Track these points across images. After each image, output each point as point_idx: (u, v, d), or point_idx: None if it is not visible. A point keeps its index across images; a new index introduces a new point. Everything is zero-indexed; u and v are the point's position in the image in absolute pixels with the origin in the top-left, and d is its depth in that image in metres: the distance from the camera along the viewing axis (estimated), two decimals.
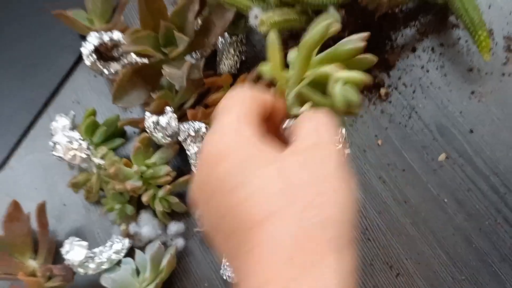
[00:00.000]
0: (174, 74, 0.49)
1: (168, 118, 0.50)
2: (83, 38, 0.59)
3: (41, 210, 0.50)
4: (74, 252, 0.47)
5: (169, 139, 0.51)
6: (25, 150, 0.60)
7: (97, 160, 0.50)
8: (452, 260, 0.46)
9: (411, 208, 0.49)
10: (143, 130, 0.54)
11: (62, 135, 0.50)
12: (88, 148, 0.50)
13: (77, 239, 0.49)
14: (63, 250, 0.48)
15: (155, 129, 0.50)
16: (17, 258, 0.49)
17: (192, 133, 0.49)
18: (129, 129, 0.59)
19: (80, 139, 0.50)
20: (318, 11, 0.49)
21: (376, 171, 0.52)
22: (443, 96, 0.54)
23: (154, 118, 0.50)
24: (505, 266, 0.46)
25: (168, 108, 0.51)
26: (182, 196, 0.53)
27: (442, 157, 0.51)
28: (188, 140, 0.49)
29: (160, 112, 0.51)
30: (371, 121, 0.54)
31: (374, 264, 0.48)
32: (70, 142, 0.49)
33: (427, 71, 0.56)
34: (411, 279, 0.46)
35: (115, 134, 0.56)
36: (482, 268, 0.46)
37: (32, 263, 0.49)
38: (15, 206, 0.48)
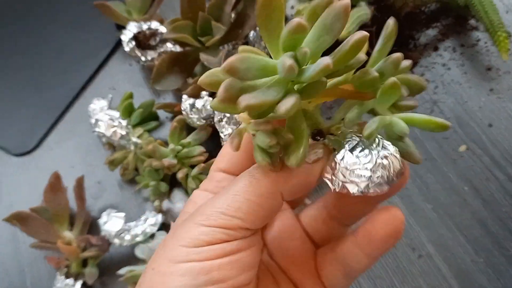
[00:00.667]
0: (211, 60, 0.53)
1: (204, 101, 0.53)
2: (120, 29, 0.63)
3: (79, 183, 0.53)
4: (111, 222, 0.50)
5: (203, 121, 0.54)
6: (63, 131, 0.63)
7: (135, 139, 0.53)
8: (469, 243, 0.49)
9: (431, 195, 0.52)
10: (176, 115, 0.57)
11: (104, 113, 0.53)
12: (127, 127, 0.53)
13: (115, 210, 0.52)
14: (101, 221, 0.51)
15: (191, 111, 0.53)
16: (55, 227, 0.51)
17: (228, 114, 0.52)
18: (161, 114, 0.62)
19: (120, 117, 0.53)
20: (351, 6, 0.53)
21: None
22: (463, 92, 0.57)
23: (191, 100, 0.53)
24: None
25: (204, 92, 0.54)
26: None
27: (462, 148, 0.54)
28: (223, 122, 0.52)
29: (196, 95, 0.54)
30: None
31: (397, 246, 0.50)
32: (112, 119, 0.53)
33: (449, 68, 0.59)
34: (431, 260, 0.49)
35: (150, 118, 0.59)
36: (498, 252, 0.48)
37: (68, 234, 0.52)
38: (56, 178, 0.51)
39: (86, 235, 0.51)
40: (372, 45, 0.56)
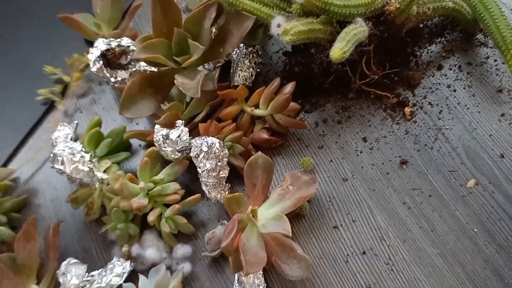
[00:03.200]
0: (187, 85, 0.46)
1: (179, 131, 0.46)
2: (89, 43, 0.56)
3: (55, 231, 0.46)
4: (70, 275, 0.44)
5: (179, 154, 0.47)
6: (25, 158, 0.56)
7: (100, 174, 0.47)
8: None
9: (438, 238, 0.46)
10: (150, 143, 0.50)
11: (64, 145, 0.46)
12: (91, 161, 0.47)
13: (74, 260, 0.45)
14: (59, 273, 0.44)
15: (165, 143, 0.47)
16: (22, 280, 0.44)
17: (205, 149, 0.46)
18: (135, 142, 0.56)
19: (82, 150, 0.46)
20: (343, 22, 0.47)
21: (400, 196, 0.48)
22: (471, 118, 0.51)
23: (164, 131, 0.47)
24: None
25: (179, 121, 0.47)
26: (190, 216, 0.49)
27: (471, 183, 0.48)
28: (201, 156, 0.46)
29: (170, 125, 0.48)
30: (395, 142, 0.51)
31: None
32: (72, 154, 0.46)
33: (454, 90, 0.53)
34: None
35: (120, 147, 0.52)
36: None
37: None
38: (33, 224, 0.44)
39: None
40: (368, 65, 0.50)
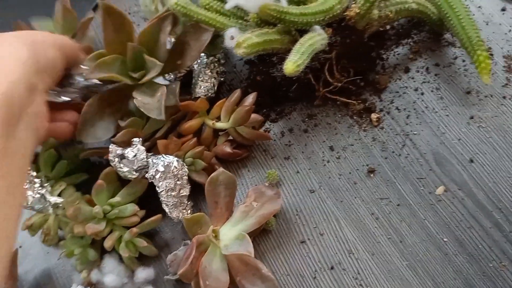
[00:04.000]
0: (148, 105, 0.44)
1: (136, 150, 0.45)
2: None
3: (13, 260, 0.45)
4: None
5: (136, 174, 0.45)
6: None
7: (54, 199, 0.45)
8: None
9: (407, 249, 0.45)
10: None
11: None
12: (42, 186, 0.45)
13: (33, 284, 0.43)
14: None
15: (120, 163, 0.45)
16: None
17: (161, 169, 0.44)
18: (95, 158, 0.54)
19: (32, 176, 0.44)
20: (303, 30, 0.45)
21: (368, 207, 0.47)
22: (439, 122, 0.50)
23: (119, 151, 0.45)
24: None
25: (135, 140, 0.45)
26: (152, 236, 0.48)
27: (440, 190, 0.47)
28: (157, 177, 0.44)
29: (127, 143, 0.46)
30: (362, 149, 0.50)
31: None
32: None
33: (422, 93, 0.52)
34: None
35: (80, 167, 0.50)
36: None
37: None
38: None
39: None
40: (331, 73, 0.49)
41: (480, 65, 0.48)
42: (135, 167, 0.45)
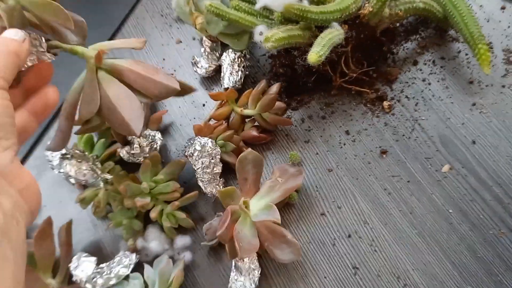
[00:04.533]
0: None
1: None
2: None
3: (68, 229, 0.51)
4: (82, 267, 0.48)
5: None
6: (28, 166, 0.61)
7: (104, 175, 0.52)
8: (457, 269, 0.48)
9: (417, 219, 0.51)
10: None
11: (64, 151, 0.51)
12: (93, 163, 0.51)
13: (85, 254, 0.50)
14: (72, 266, 0.49)
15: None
16: (39, 275, 0.49)
17: (198, 148, 0.51)
18: None
19: (85, 154, 0.51)
20: (322, 27, 0.51)
21: (381, 183, 0.53)
22: (445, 108, 0.56)
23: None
24: (510, 275, 0.47)
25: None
26: (189, 211, 0.54)
27: (445, 168, 0.52)
28: (195, 155, 0.51)
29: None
30: (375, 133, 0.56)
31: (381, 275, 0.49)
32: (75, 157, 0.51)
33: (429, 83, 0.58)
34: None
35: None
36: (487, 278, 0.47)
37: (52, 282, 0.49)
38: (48, 224, 0.49)
39: (74, 286, 0.49)
40: (347, 64, 0.55)
41: (481, 57, 0.54)
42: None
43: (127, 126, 0.41)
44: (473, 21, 0.55)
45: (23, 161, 0.62)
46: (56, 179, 0.59)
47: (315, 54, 0.45)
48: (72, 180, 0.53)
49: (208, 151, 0.51)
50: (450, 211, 0.50)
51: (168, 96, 0.44)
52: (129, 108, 0.41)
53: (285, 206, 0.53)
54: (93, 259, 0.49)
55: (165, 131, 0.60)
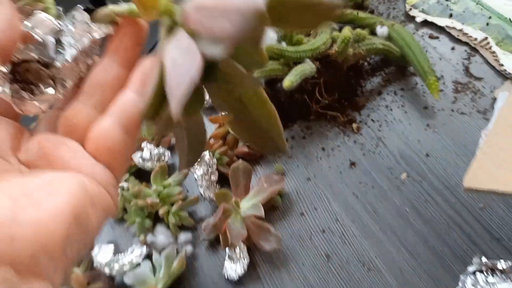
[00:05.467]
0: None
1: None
2: None
3: None
4: (102, 254, 0.60)
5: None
6: None
7: (121, 184, 0.64)
8: (413, 256, 0.58)
9: (379, 217, 0.61)
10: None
11: None
12: None
13: (105, 242, 0.61)
14: (93, 253, 0.60)
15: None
16: None
17: (199, 159, 0.63)
18: None
19: None
20: (298, 63, 0.66)
21: (350, 189, 0.64)
22: (404, 129, 0.68)
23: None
24: (457, 261, 0.57)
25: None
26: (191, 214, 0.66)
27: (403, 176, 0.64)
28: (196, 165, 0.63)
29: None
30: (346, 149, 0.68)
31: (349, 262, 0.59)
32: None
33: (391, 109, 0.71)
34: (379, 273, 0.57)
35: None
36: (437, 263, 0.57)
37: (77, 270, 0.60)
38: None
39: (94, 272, 0.60)
40: (321, 93, 0.68)
41: (431, 86, 0.67)
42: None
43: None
44: (424, 59, 0.69)
45: None
46: None
47: (288, 81, 0.58)
48: None
49: (206, 161, 0.64)
50: (407, 210, 0.61)
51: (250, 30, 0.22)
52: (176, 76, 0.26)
53: (270, 208, 0.65)
54: (111, 246, 0.61)
55: (173, 149, 0.73)
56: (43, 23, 0.25)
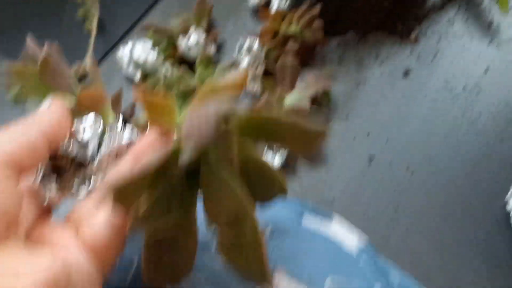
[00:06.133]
0: None
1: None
2: None
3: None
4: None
5: None
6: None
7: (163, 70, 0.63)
8: (463, 164, 0.56)
9: (429, 125, 0.59)
10: None
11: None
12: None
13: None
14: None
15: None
16: None
17: (245, 47, 0.61)
18: None
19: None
20: None
21: (402, 97, 0.62)
22: (464, 43, 0.65)
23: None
24: (508, 171, 0.54)
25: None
26: None
27: (460, 88, 0.61)
28: (243, 54, 0.62)
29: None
30: (401, 59, 0.65)
31: (392, 165, 0.57)
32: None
33: (453, 23, 0.67)
34: (424, 178, 0.56)
35: None
36: (487, 173, 0.55)
37: None
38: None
39: None
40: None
41: (500, 1, 0.63)
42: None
43: None
44: None
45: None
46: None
47: None
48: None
49: (254, 52, 0.62)
50: (460, 120, 0.59)
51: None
52: None
53: (316, 107, 0.63)
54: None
55: (220, 47, 0.71)
56: (93, 127, 0.27)
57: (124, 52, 0.67)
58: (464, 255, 0.53)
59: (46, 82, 0.28)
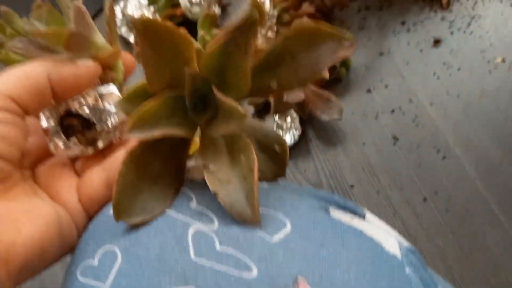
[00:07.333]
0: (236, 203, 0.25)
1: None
2: None
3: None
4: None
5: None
6: None
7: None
8: (500, 148, 0.49)
9: (462, 102, 0.53)
10: None
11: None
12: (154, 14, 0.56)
13: None
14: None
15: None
16: None
17: None
18: None
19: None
20: None
21: (431, 69, 0.55)
22: (504, 9, 0.57)
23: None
24: None
25: None
26: None
27: (498, 60, 0.54)
28: None
29: None
30: (430, 26, 0.58)
31: (421, 146, 0.51)
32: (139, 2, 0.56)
33: None
34: (456, 161, 0.49)
35: None
36: None
37: None
38: None
39: None
40: None
41: None
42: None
43: None
44: None
45: None
46: None
47: None
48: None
49: (265, 11, 0.55)
50: (498, 96, 0.52)
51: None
52: None
53: (332, 80, 0.56)
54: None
55: (224, 8, 0.64)
56: (111, 95, 0.28)
57: (115, 12, 0.60)
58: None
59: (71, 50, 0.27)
